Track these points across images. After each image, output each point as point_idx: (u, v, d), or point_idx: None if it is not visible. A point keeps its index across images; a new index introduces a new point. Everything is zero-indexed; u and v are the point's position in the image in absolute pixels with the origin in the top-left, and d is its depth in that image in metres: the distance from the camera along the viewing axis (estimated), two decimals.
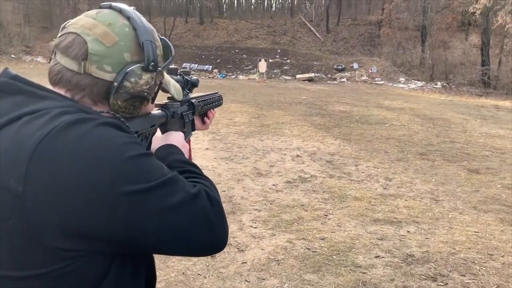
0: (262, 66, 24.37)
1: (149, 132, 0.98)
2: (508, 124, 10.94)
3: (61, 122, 0.68)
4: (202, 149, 6.84)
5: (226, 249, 3.42)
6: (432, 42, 27.37)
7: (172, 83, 1.01)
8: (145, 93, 0.84)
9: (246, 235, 3.73)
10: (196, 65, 29.28)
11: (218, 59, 30.48)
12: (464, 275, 3.16)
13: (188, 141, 1.23)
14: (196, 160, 6.11)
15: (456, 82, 22.73)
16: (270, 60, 28.46)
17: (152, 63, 0.83)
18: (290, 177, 5.55)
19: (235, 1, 49.57)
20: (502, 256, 3.49)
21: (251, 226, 3.93)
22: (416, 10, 30.02)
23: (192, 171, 0.91)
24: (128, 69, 0.80)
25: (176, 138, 1.05)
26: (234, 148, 7.05)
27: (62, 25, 0.83)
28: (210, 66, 29.07)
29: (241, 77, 27.26)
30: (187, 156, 1.03)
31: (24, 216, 0.65)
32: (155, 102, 1.01)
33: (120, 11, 0.83)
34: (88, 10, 0.88)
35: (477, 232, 3.98)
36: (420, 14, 29.22)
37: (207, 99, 1.36)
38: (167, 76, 0.98)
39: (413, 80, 25.22)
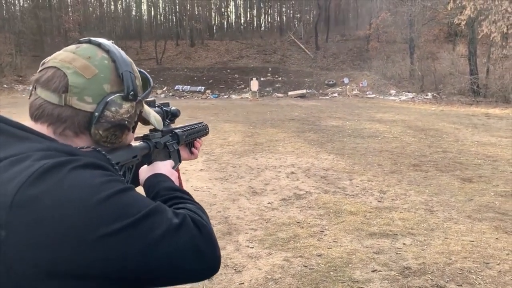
0: (254, 84, 24.60)
1: (132, 164, 0.99)
2: (499, 132, 11.06)
3: (39, 167, 0.68)
4: (197, 170, 6.86)
5: (223, 271, 3.42)
6: (420, 53, 27.77)
7: (152, 114, 1.02)
8: (126, 122, 0.86)
9: (242, 256, 3.73)
10: (189, 86, 29.49)
11: (210, 79, 30.73)
12: (461, 285, 3.17)
13: (177, 171, 1.22)
14: (191, 182, 6.15)
15: (446, 92, 23.01)
16: (262, 79, 28.72)
17: (132, 93, 0.85)
18: (285, 195, 5.57)
19: (225, 22, 50.24)
20: (498, 264, 3.51)
21: (248, 246, 3.93)
22: (403, 24, 30.54)
23: (179, 197, 0.91)
24: (109, 99, 0.82)
25: (163, 166, 1.05)
26: (228, 168, 7.07)
27: (42, 61, 0.85)
28: (203, 87, 29.29)
29: (233, 96, 27.45)
30: (176, 183, 1.03)
31: (7, 262, 0.64)
32: (137, 135, 1.03)
33: (99, 45, 0.86)
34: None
35: (473, 241, 4.00)
36: (407, 27, 29.72)
37: (191, 129, 1.37)
38: (146, 107, 1.00)
39: (403, 92, 25.50)
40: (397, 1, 31.01)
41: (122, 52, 0.88)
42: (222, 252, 3.75)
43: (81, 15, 37.12)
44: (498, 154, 8.07)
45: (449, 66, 24.86)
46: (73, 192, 0.68)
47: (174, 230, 0.74)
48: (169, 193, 0.92)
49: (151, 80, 0.97)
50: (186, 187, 4.94)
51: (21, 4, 37.97)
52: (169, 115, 1.22)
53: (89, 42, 0.86)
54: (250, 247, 3.91)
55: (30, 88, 0.85)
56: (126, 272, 0.70)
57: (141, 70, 0.97)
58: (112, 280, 0.69)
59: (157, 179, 0.99)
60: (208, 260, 0.79)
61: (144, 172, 1.04)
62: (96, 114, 0.81)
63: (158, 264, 0.72)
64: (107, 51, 0.85)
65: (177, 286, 0.80)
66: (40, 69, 0.84)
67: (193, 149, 1.40)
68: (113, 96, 0.83)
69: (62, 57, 0.82)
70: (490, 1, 17.04)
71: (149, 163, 1.08)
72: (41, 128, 0.80)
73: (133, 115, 0.88)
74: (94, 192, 0.69)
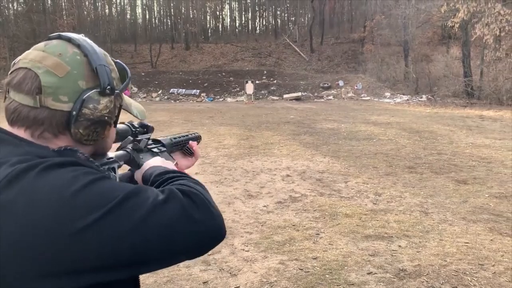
0: (249, 87, 24.62)
1: (113, 165, 0.97)
2: (493, 134, 11.12)
3: (12, 171, 0.68)
4: (192, 174, 6.79)
5: (218, 274, 3.41)
6: (414, 56, 27.93)
7: (134, 104, 1.00)
8: (106, 118, 0.84)
9: (238, 259, 3.72)
10: (184, 90, 29.45)
11: (205, 83, 30.72)
12: (456, 287, 3.18)
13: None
14: None
15: (440, 94, 23.12)
16: (257, 82, 28.75)
17: (109, 87, 0.82)
18: (281, 197, 5.56)
19: (220, 26, 50.33)
20: (493, 266, 3.52)
21: (243, 250, 3.92)
22: (397, 26, 30.71)
23: (171, 177, 0.88)
24: (85, 96, 0.79)
25: (152, 161, 1.02)
26: (224, 171, 7.06)
27: (13, 62, 0.82)
28: (198, 90, 29.26)
29: (229, 99, 27.45)
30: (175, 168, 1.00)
31: None
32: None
33: (69, 40, 0.82)
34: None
35: (467, 242, 4.02)
36: (401, 30, 29.90)
37: (178, 137, 1.31)
38: (127, 98, 0.98)
39: (398, 95, 25.61)
40: (391, 4, 31.21)
41: (95, 45, 0.85)
42: (218, 256, 3.74)
43: (76, 18, 37.04)
44: (492, 155, 8.12)
45: (443, 68, 25.00)
46: (46, 189, 0.67)
47: (160, 204, 0.72)
48: (161, 177, 0.90)
49: (128, 70, 0.94)
50: None
51: (15, 7, 37.83)
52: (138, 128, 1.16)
53: (59, 37, 0.83)
54: (246, 251, 3.89)
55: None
56: (119, 259, 0.68)
57: (117, 61, 0.93)
58: (106, 270, 0.68)
59: (150, 171, 0.97)
60: (205, 228, 0.76)
61: (139, 173, 1.02)
62: (74, 113, 0.78)
63: (150, 243, 0.70)
64: (78, 45, 0.82)
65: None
66: (11, 70, 0.81)
67: (193, 149, 1.34)
68: (89, 93, 0.80)
69: (32, 56, 0.79)
70: (483, 4, 17.18)
71: (138, 167, 1.05)
72: (18, 132, 0.79)
73: (112, 110, 0.85)
74: (67, 186, 0.68)
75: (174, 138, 1.27)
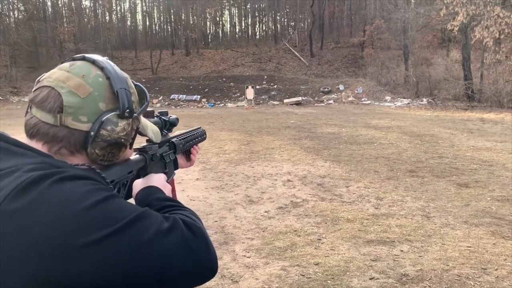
0: (250, 93, 24.64)
1: (126, 179, 0.98)
2: (494, 136, 11.10)
3: (26, 178, 0.69)
4: (193, 180, 6.83)
5: (219, 281, 3.39)
6: (414, 60, 27.94)
7: (150, 126, 1.02)
8: (122, 140, 0.86)
9: (239, 265, 3.70)
10: (185, 95, 29.50)
11: (206, 88, 30.76)
12: None
13: (172, 181, 1.22)
14: (187, 191, 6.12)
15: (441, 98, 23.11)
16: (257, 87, 28.79)
17: (128, 110, 0.84)
18: (282, 203, 5.55)
19: (220, 31, 50.49)
20: (496, 270, 3.50)
21: (245, 256, 3.91)
22: (396, 30, 30.77)
23: (170, 206, 0.91)
24: (104, 118, 0.81)
25: (156, 179, 1.05)
26: (224, 177, 7.05)
27: (37, 79, 0.85)
28: (199, 96, 29.30)
29: (229, 105, 27.47)
30: (170, 196, 1.02)
31: None
32: (134, 146, 1.01)
33: (93, 62, 0.85)
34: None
35: (470, 246, 4.00)
36: (401, 34, 29.95)
37: (188, 136, 1.36)
38: (144, 120, 0.99)
39: (399, 98, 25.60)
40: (391, 8, 31.27)
41: (117, 68, 0.87)
42: (219, 262, 3.69)
43: (76, 26, 37.19)
44: (493, 158, 8.10)
45: (444, 71, 25.01)
46: (58, 200, 0.68)
47: (164, 232, 0.74)
48: (161, 203, 0.93)
49: (147, 94, 0.96)
50: (182, 197, 4.90)
51: (16, 15, 38.04)
52: (167, 125, 1.21)
53: (84, 59, 0.86)
54: (247, 257, 3.88)
55: (26, 100, 0.84)
56: (119, 278, 0.69)
57: (137, 83, 0.96)
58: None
59: (149, 191, 0.99)
60: (203, 262, 0.78)
61: (138, 185, 1.04)
62: (92, 133, 0.81)
63: (150, 269, 0.71)
64: (102, 68, 0.84)
65: None
66: (35, 88, 0.83)
67: (191, 155, 1.41)
68: (108, 115, 0.82)
69: (56, 76, 0.82)
70: (482, 7, 17.21)
71: (144, 175, 1.07)
72: (36, 145, 0.80)
73: (129, 132, 0.87)
74: (80, 200, 0.69)
75: (185, 139, 1.33)
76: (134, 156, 1.04)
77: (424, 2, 29.27)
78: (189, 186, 6.40)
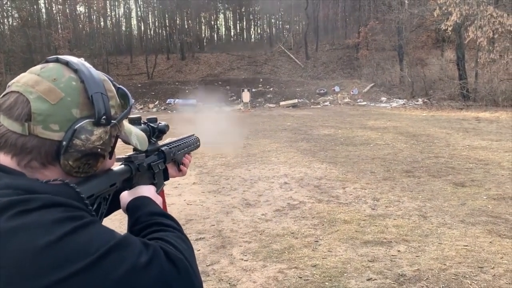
0: (246, 96, 24.66)
1: (109, 193, 0.89)
2: (490, 135, 11.15)
3: None
4: (190, 184, 6.82)
5: (217, 285, 3.39)
6: (409, 60, 28.04)
7: (134, 133, 0.94)
8: (99, 150, 0.78)
9: (237, 269, 3.70)
10: (181, 100, 29.49)
11: (202, 92, 30.76)
12: None
13: (161, 193, 1.14)
14: (184, 195, 6.11)
15: (436, 98, 23.19)
16: (253, 90, 28.80)
17: (104, 117, 0.76)
18: (279, 205, 5.55)
19: (215, 35, 50.53)
20: (492, 268, 3.51)
21: (242, 259, 3.90)
22: (391, 31, 30.90)
23: (159, 223, 0.84)
24: (77, 126, 0.73)
25: (146, 190, 0.98)
26: (221, 180, 7.05)
27: (8, 83, 0.77)
28: (195, 100, 29.29)
29: (225, 108, 27.46)
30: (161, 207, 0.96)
31: None
32: (118, 156, 0.94)
33: (66, 64, 0.77)
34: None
35: (466, 245, 4.01)
36: (395, 35, 30.09)
37: (180, 144, 1.28)
38: (128, 126, 0.92)
39: (394, 99, 25.67)
40: (385, 9, 31.42)
41: (93, 70, 0.80)
42: (216, 266, 3.72)
43: (71, 32, 37.09)
44: (489, 157, 8.13)
45: (438, 71, 25.11)
46: (19, 236, 0.62)
47: (141, 267, 0.67)
48: (149, 219, 0.85)
49: (130, 97, 0.88)
50: (179, 201, 4.90)
51: (10, 22, 37.95)
52: (156, 132, 1.13)
53: (57, 60, 0.78)
54: (245, 260, 3.88)
55: None
56: None
57: (120, 86, 0.88)
58: None
59: (139, 202, 0.92)
60: None
61: (124, 198, 0.96)
62: (64, 143, 0.73)
63: None
64: (76, 70, 0.76)
65: None
66: (4, 93, 0.76)
67: (181, 166, 1.30)
68: (82, 122, 0.74)
69: (25, 80, 0.74)
70: (476, 7, 17.31)
71: (131, 187, 0.99)
72: (4, 159, 0.73)
73: (107, 141, 0.79)
74: (43, 234, 0.62)
75: (176, 147, 1.24)
76: (118, 167, 0.95)
77: (417, 2, 29.44)
78: (186, 191, 6.40)
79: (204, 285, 3.40)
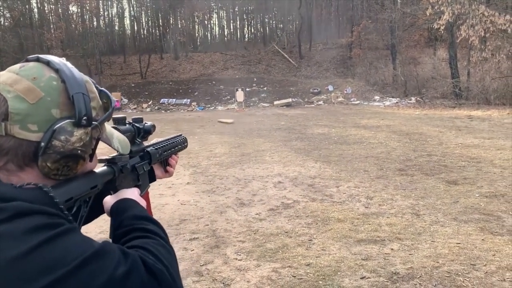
0: (240, 95, 24.65)
1: (89, 196, 0.86)
2: (482, 133, 11.23)
3: None
4: (184, 184, 6.81)
5: (211, 285, 3.39)
6: (402, 59, 28.18)
7: (116, 136, 0.91)
8: (79, 151, 0.75)
9: (231, 269, 3.70)
10: (174, 99, 29.43)
11: (196, 92, 30.73)
12: None
13: (146, 195, 1.12)
14: (178, 195, 6.11)
15: (429, 96, 23.34)
16: (247, 89, 28.80)
17: (85, 118, 0.74)
18: (273, 205, 5.55)
19: (209, 35, 50.44)
20: (485, 265, 3.54)
21: (236, 259, 3.90)
22: (384, 30, 31.03)
23: (142, 229, 0.82)
24: (56, 126, 0.71)
25: (130, 193, 0.96)
26: (215, 180, 7.04)
27: None
28: (189, 100, 29.24)
29: (219, 108, 27.45)
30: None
31: None
32: (101, 157, 0.92)
33: (47, 63, 0.75)
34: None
35: (459, 243, 4.04)
36: (388, 34, 30.21)
37: (166, 144, 1.25)
38: (109, 129, 0.90)
39: (387, 98, 25.80)
40: (378, 8, 31.53)
41: (75, 70, 0.78)
42: (210, 266, 3.72)
43: (63, 32, 36.85)
44: (481, 155, 8.19)
45: (431, 70, 25.28)
46: None
47: (120, 279, 0.65)
48: (132, 223, 0.84)
49: (112, 99, 0.86)
50: (172, 201, 4.90)
51: (2, 22, 37.63)
52: (142, 133, 1.10)
53: (37, 60, 0.76)
54: (238, 260, 3.88)
55: None
56: None
57: (102, 89, 0.86)
58: None
59: (124, 205, 0.91)
60: None
61: (108, 203, 0.95)
62: (43, 144, 0.70)
63: None
64: (57, 70, 0.74)
65: None
66: None
67: (168, 167, 1.28)
68: (62, 123, 0.72)
69: (4, 78, 0.72)
70: (467, 6, 17.42)
71: (113, 189, 0.97)
72: None
73: (87, 143, 0.77)
74: (15, 245, 0.60)
75: (162, 148, 1.21)
76: (100, 169, 0.93)
77: (410, 2, 29.59)
78: (180, 190, 6.38)
79: (198, 285, 3.40)
